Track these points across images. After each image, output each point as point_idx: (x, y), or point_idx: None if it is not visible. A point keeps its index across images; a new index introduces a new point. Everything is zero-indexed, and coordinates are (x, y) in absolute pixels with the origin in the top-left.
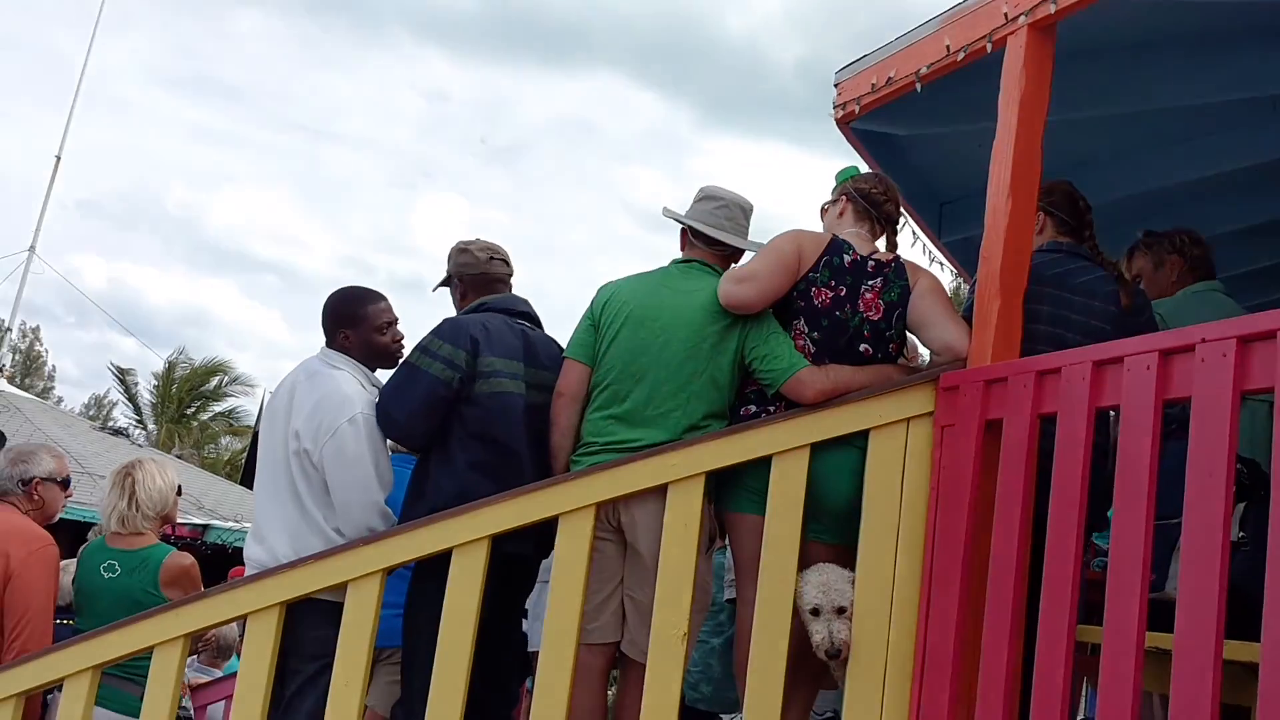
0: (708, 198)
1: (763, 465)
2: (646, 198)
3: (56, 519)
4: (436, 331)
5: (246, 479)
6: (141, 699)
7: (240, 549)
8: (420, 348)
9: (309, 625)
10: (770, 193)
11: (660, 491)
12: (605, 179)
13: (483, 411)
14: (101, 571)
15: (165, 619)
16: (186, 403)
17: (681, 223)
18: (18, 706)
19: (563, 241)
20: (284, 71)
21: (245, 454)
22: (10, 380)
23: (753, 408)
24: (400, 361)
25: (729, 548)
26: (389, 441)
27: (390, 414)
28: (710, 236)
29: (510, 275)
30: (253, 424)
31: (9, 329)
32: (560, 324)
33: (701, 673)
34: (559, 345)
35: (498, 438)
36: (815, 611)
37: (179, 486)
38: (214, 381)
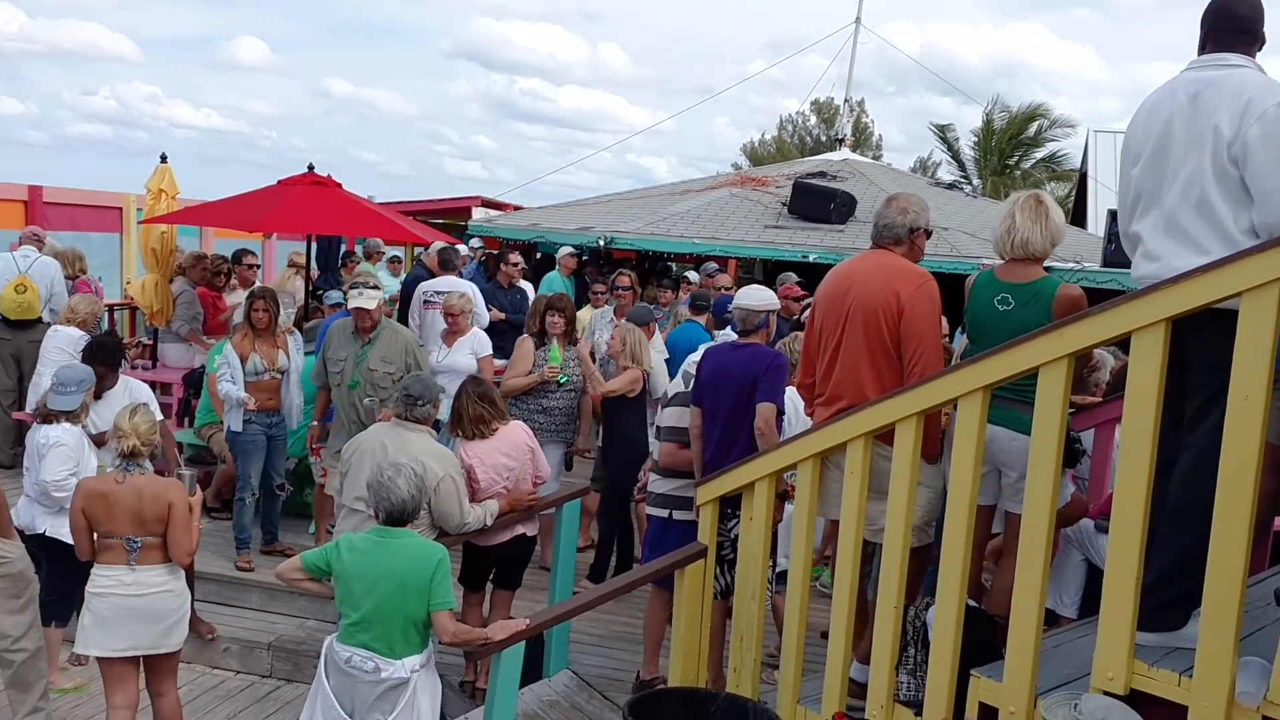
0: None
1: None
2: None
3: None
4: None
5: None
6: (1032, 418)
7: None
8: None
9: (1212, 335)
10: None
11: None
12: None
13: None
14: (995, 304)
15: (1049, 340)
16: (1007, 153)
17: None
18: (918, 423)
19: None
20: None
21: (1071, 196)
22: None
23: None
24: None
25: None
26: None
27: None
28: None
29: None
30: (1077, 167)
31: (845, 100)
32: None
33: None
34: None
35: None
36: None
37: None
38: (1033, 128)
